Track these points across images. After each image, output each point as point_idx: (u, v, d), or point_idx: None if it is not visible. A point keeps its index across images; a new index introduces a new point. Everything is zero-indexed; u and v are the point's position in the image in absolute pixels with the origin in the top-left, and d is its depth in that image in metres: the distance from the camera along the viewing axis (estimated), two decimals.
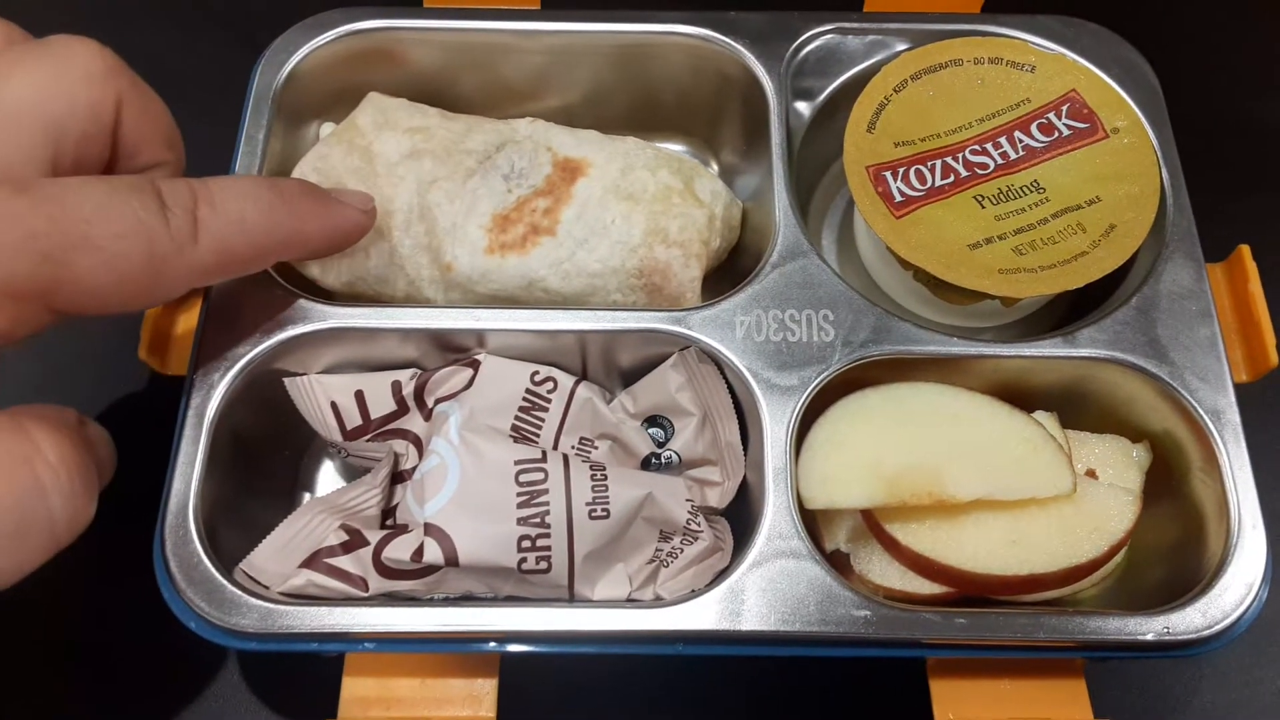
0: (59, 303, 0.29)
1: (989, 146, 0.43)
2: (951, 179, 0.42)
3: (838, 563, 0.39)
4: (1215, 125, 0.55)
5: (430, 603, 0.37)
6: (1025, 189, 0.42)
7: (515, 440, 0.39)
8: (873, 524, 0.38)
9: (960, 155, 0.43)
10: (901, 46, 0.47)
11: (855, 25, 0.47)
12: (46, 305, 0.29)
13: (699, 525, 0.38)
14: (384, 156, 0.43)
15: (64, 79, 0.33)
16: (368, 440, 0.40)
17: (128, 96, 0.34)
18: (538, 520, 0.36)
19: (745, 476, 0.40)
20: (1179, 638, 0.35)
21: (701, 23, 0.47)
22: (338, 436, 0.40)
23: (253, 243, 0.33)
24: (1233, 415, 0.38)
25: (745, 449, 0.40)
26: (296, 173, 0.44)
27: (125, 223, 0.29)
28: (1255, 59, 0.59)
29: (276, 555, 0.37)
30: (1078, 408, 0.41)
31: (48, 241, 0.28)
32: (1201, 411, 0.39)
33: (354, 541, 0.37)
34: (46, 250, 0.28)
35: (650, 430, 0.41)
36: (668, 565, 0.38)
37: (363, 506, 0.38)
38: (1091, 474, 0.40)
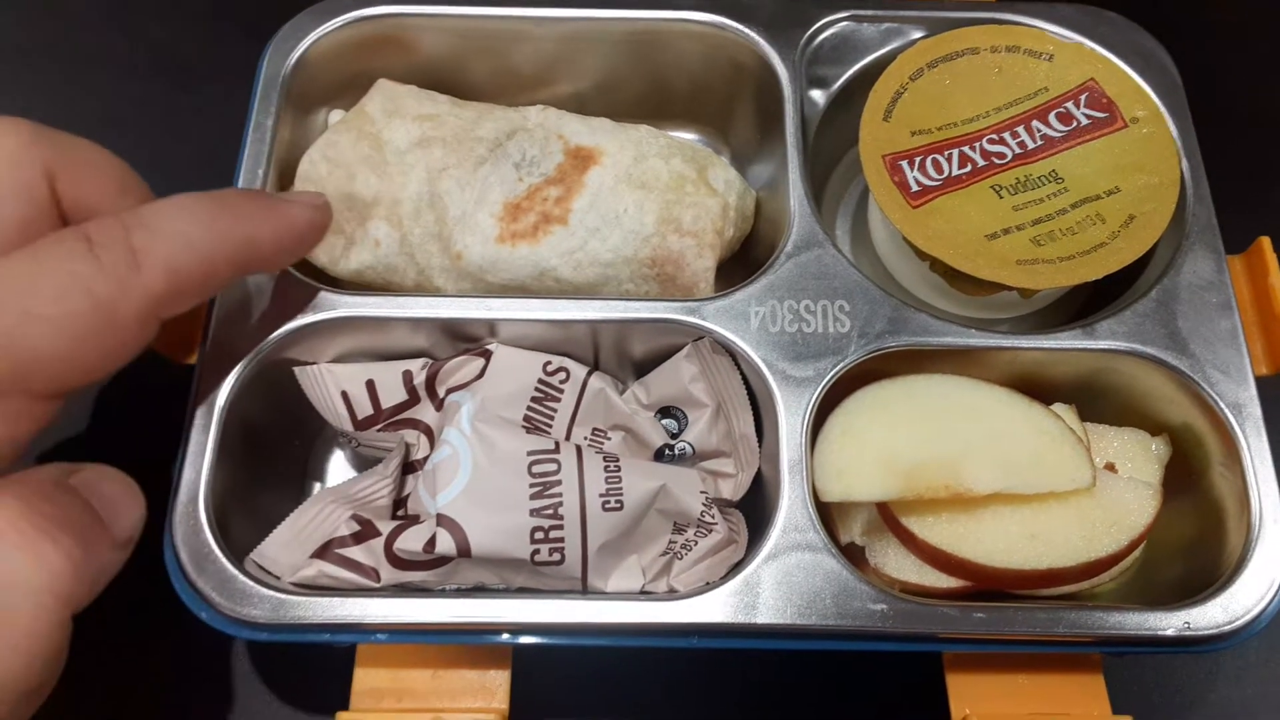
0: (36, 386, 0.28)
1: (1007, 136, 0.43)
2: (969, 168, 0.42)
3: (853, 556, 0.38)
4: (1235, 115, 0.54)
5: (442, 594, 0.36)
6: (1043, 179, 0.42)
7: (528, 431, 0.39)
8: (889, 517, 0.38)
9: (978, 144, 0.42)
10: (918, 34, 0.47)
11: (871, 12, 0.47)
12: (27, 393, 0.28)
13: (713, 517, 0.38)
14: (393, 144, 0.43)
15: None
16: (379, 430, 0.40)
17: (57, 163, 0.32)
18: (551, 512, 0.36)
19: (760, 469, 0.39)
20: (1200, 633, 0.34)
21: (715, 9, 0.46)
22: (348, 426, 0.39)
23: (202, 257, 0.31)
24: (1254, 409, 0.38)
25: (760, 441, 0.40)
26: (305, 160, 0.43)
27: (58, 281, 0.28)
28: (1275, 48, 0.58)
29: (288, 545, 0.36)
30: (1096, 400, 0.41)
31: None
32: (1222, 405, 0.38)
33: (365, 532, 0.37)
34: None
35: (664, 421, 0.41)
36: (682, 557, 0.38)
37: (374, 497, 0.38)
38: (1111, 467, 0.39)
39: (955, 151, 0.42)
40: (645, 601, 0.35)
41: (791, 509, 0.36)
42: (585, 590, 0.37)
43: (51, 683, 0.28)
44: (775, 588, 0.35)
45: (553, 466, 0.36)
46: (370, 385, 0.40)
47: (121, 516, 0.31)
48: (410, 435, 0.40)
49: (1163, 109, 0.44)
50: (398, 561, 0.36)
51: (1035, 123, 0.43)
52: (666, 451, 0.40)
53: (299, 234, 0.35)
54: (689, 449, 0.40)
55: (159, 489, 0.35)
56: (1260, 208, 0.49)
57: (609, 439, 0.40)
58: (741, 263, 0.46)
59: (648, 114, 0.48)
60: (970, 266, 0.40)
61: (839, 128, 0.47)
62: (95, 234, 0.29)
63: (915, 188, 0.41)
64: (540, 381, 0.40)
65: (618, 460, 0.37)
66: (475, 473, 0.36)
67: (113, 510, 0.30)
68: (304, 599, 0.34)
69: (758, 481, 0.39)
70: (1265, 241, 0.41)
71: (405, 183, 0.42)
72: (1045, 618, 0.35)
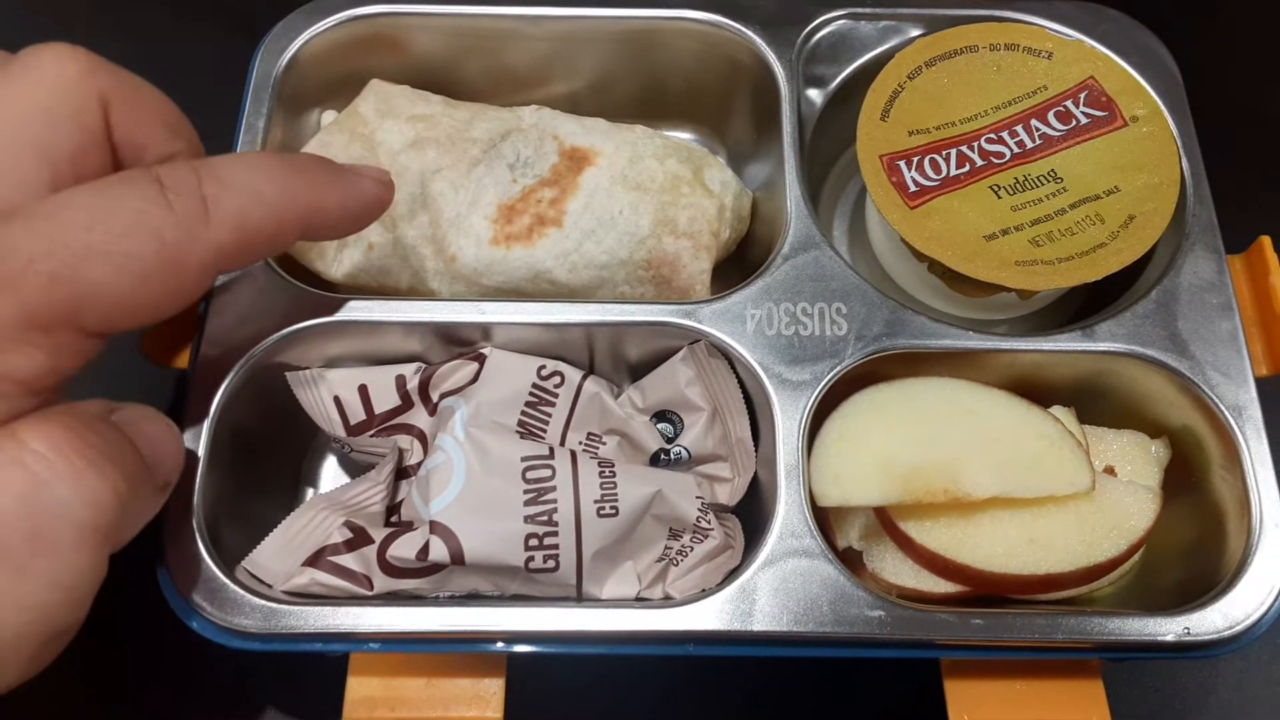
0: (88, 322, 0.28)
1: (1005, 135, 0.42)
2: (967, 168, 0.42)
3: (850, 561, 0.38)
4: (1235, 114, 0.54)
5: (436, 602, 0.36)
6: (1042, 179, 0.41)
7: (522, 436, 0.38)
8: (886, 522, 0.37)
9: (976, 144, 0.42)
10: (916, 32, 0.46)
11: (869, 10, 0.46)
12: (79, 329, 0.27)
13: (709, 523, 0.37)
14: (387, 145, 0.43)
15: (38, 96, 0.31)
16: (372, 435, 0.39)
17: (113, 94, 0.32)
18: (545, 518, 0.35)
19: (756, 473, 0.39)
20: (1199, 639, 0.34)
21: (711, 8, 0.46)
22: (341, 432, 0.39)
23: (270, 215, 0.31)
24: (1254, 411, 0.38)
25: (756, 445, 0.39)
26: None
27: (126, 219, 0.27)
28: (1276, 45, 0.58)
29: (279, 553, 0.36)
30: (1096, 403, 0.40)
31: (51, 261, 0.26)
32: (1223, 407, 0.38)
33: (358, 539, 0.36)
34: (53, 271, 0.26)
35: (659, 426, 0.41)
36: (677, 563, 0.37)
37: (367, 503, 0.38)
38: (1110, 471, 0.39)
39: (953, 151, 0.42)
40: (641, 609, 0.35)
41: (788, 514, 0.36)
42: (580, 597, 0.36)
43: (74, 629, 0.28)
44: (772, 594, 0.34)
45: (547, 472, 0.36)
46: (363, 390, 0.39)
47: (163, 457, 0.30)
48: (404, 441, 0.39)
49: (1163, 107, 0.43)
50: (390, 569, 0.36)
51: (1034, 122, 0.43)
52: (662, 456, 0.40)
53: (365, 205, 0.34)
54: (685, 453, 0.40)
55: None
56: (1261, 207, 0.48)
57: (604, 444, 0.40)
58: (738, 264, 0.46)
59: (643, 114, 0.48)
60: (968, 267, 0.39)
61: (836, 127, 0.47)
62: (168, 178, 0.29)
63: (913, 188, 0.41)
64: (535, 386, 0.39)
65: (613, 465, 0.37)
66: (469, 479, 0.36)
67: (155, 450, 0.30)
68: (296, 608, 0.34)
69: (754, 486, 0.39)
70: (1266, 241, 0.41)
71: (399, 184, 0.42)
72: (1044, 623, 0.34)
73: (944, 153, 0.42)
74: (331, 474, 0.43)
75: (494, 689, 0.36)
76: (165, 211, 0.28)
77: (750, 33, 0.45)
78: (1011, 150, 0.42)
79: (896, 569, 0.38)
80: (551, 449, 0.37)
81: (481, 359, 0.39)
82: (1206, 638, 0.34)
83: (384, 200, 0.35)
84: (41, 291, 0.26)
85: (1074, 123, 0.42)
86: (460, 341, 0.40)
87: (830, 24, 0.46)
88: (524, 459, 0.36)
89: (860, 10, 0.46)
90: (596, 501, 0.36)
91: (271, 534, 0.36)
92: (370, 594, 0.36)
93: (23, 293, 0.26)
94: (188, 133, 0.35)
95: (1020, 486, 0.36)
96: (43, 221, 0.27)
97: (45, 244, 0.27)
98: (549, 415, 0.39)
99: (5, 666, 0.26)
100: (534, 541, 0.35)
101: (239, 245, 0.30)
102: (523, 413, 0.39)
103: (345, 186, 0.34)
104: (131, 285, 0.28)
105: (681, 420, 0.40)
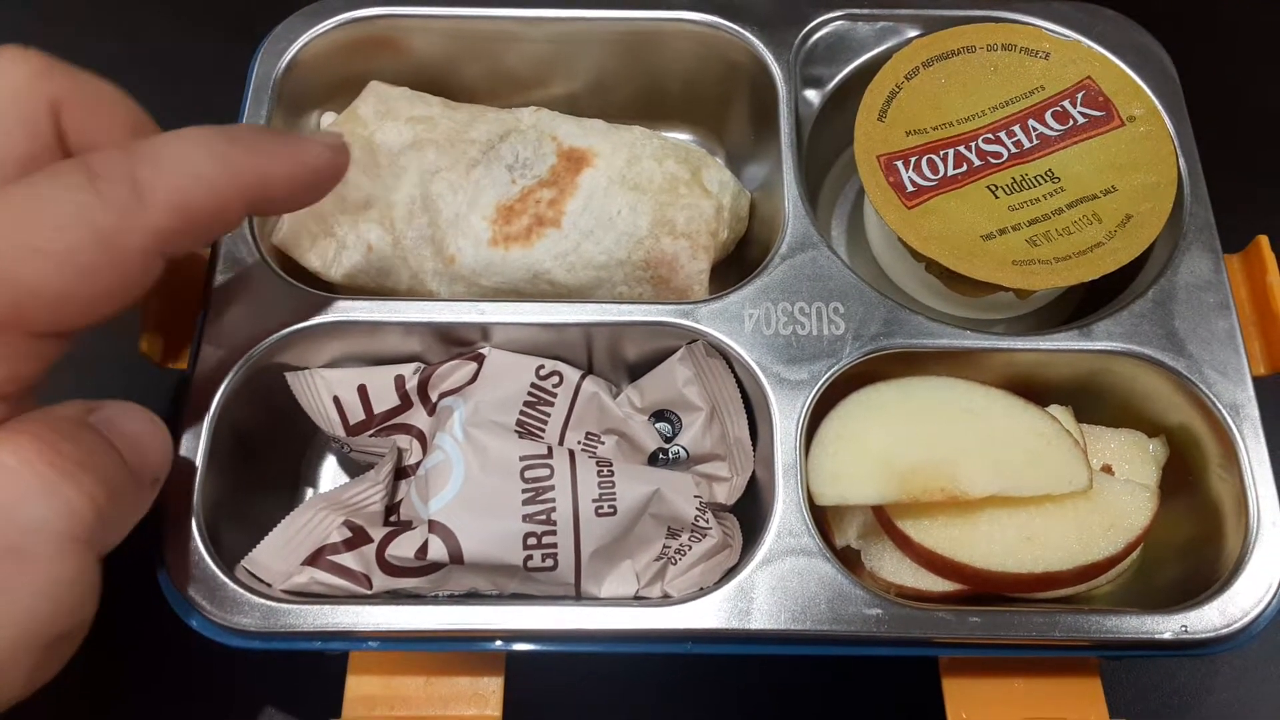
0: (35, 323, 0.27)
1: (1002, 135, 0.42)
2: (964, 168, 0.42)
3: (848, 559, 0.38)
4: (1232, 113, 0.54)
5: (435, 600, 0.36)
6: (1039, 178, 0.41)
7: (520, 436, 0.39)
8: (884, 520, 0.37)
9: (973, 144, 0.42)
10: (913, 33, 0.46)
11: (866, 11, 0.46)
12: (26, 331, 0.27)
13: (707, 522, 0.37)
14: (386, 147, 0.43)
15: None
16: (371, 435, 0.40)
17: (67, 98, 0.30)
18: (544, 517, 0.35)
19: (754, 472, 0.39)
20: (1197, 637, 0.34)
21: (708, 9, 0.46)
22: (340, 432, 0.39)
23: (210, 191, 0.29)
24: (1252, 410, 0.38)
25: (754, 444, 0.39)
26: None
27: (57, 213, 0.26)
28: (1273, 45, 0.58)
29: (279, 552, 0.36)
30: (1093, 402, 0.41)
31: None
32: (1220, 406, 0.38)
33: (357, 538, 0.37)
34: None
35: (657, 425, 0.41)
36: (676, 562, 0.37)
37: (366, 503, 0.38)
38: (1108, 469, 0.39)
39: (951, 151, 0.42)
40: (639, 607, 0.35)
41: (786, 513, 0.36)
42: (579, 596, 0.36)
43: (82, 630, 0.28)
44: (770, 593, 0.35)
45: (545, 472, 0.36)
46: (362, 390, 0.39)
47: (147, 454, 0.29)
48: (403, 440, 0.39)
49: (1160, 107, 0.43)
50: (389, 568, 0.36)
51: (1031, 121, 0.43)
52: (660, 455, 0.40)
53: (315, 174, 0.32)
54: (683, 453, 0.40)
55: None
56: (1258, 206, 0.48)
57: (602, 443, 0.40)
58: (736, 264, 0.46)
59: (641, 115, 0.48)
60: (966, 267, 0.39)
61: (834, 128, 0.47)
62: (97, 165, 0.27)
63: (910, 188, 0.41)
64: (533, 386, 0.39)
65: (611, 465, 0.37)
66: (468, 478, 0.36)
67: (136, 448, 0.29)
68: (295, 607, 0.34)
69: (752, 485, 0.39)
70: (1263, 240, 0.41)
71: (398, 185, 0.42)
72: (1042, 621, 0.34)
73: (941, 153, 0.42)
74: (331, 474, 0.43)
75: (493, 687, 0.36)
76: (96, 200, 0.27)
77: (748, 34, 0.46)
78: (1009, 150, 0.42)
79: (894, 567, 0.38)
80: (550, 448, 0.37)
81: (480, 359, 0.40)
82: (1204, 636, 0.34)
83: (337, 166, 0.33)
84: None
85: (1071, 122, 0.43)
86: (459, 342, 0.40)
87: (828, 25, 0.46)
88: (522, 458, 0.36)
89: (857, 11, 0.46)
90: (595, 501, 0.36)
91: (271, 533, 0.36)
92: (369, 593, 0.36)
93: None
94: (150, 131, 0.33)
95: (1018, 485, 0.36)
96: None
97: None
98: (547, 415, 0.39)
99: (6, 680, 0.26)
100: (532, 540, 0.35)
101: (180, 226, 0.28)
102: (521, 412, 0.39)
103: (290, 155, 0.31)
104: (71, 280, 0.27)
105: (680, 420, 0.40)
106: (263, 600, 0.34)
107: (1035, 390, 0.40)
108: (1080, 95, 0.43)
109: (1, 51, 0.30)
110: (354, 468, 0.43)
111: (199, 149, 0.29)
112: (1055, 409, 0.39)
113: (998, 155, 0.42)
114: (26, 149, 0.30)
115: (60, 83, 0.31)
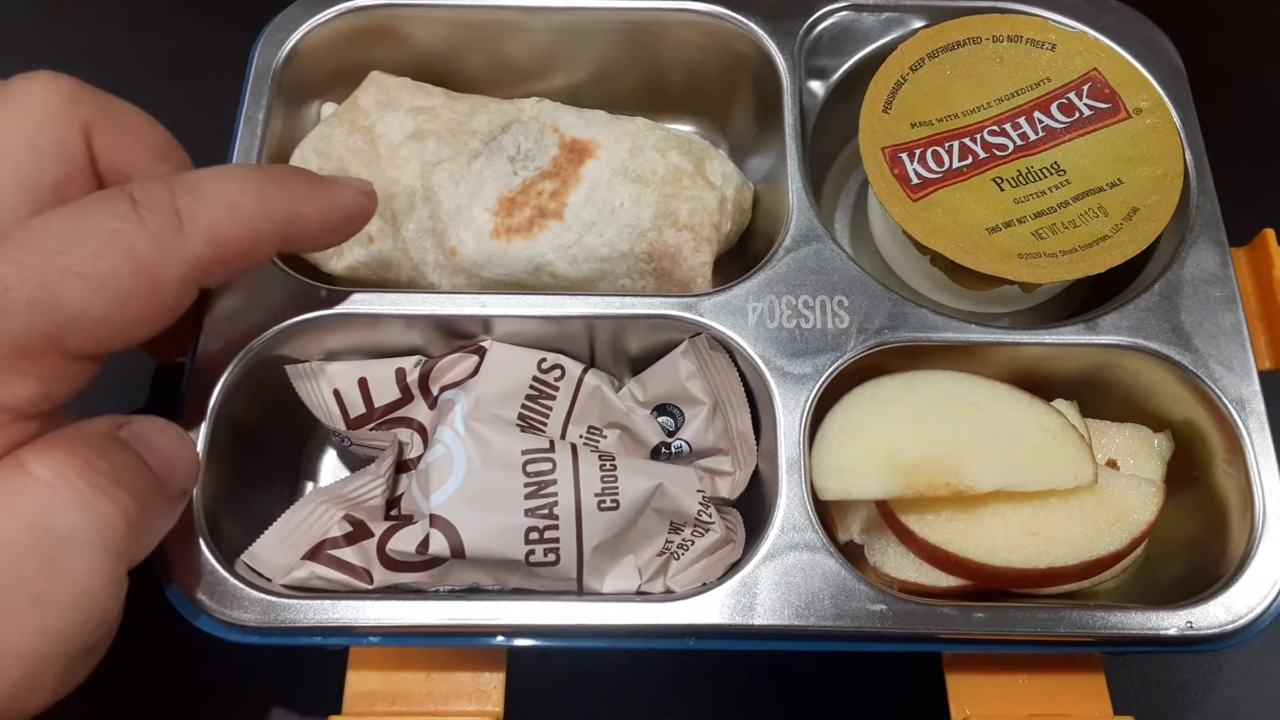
0: (73, 345, 0.27)
1: (1008, 127, 0.42)
2: (970, 160, 0.41)
3: (852, 554, 0.38)
4: (1239, 106, 0.54)
5: (436, 595, 0.36)
6: (1045, 171, 0.41)
7: (522, 429, 0.38)
8: (888, 515, 0.37)
9: (978, 136, 0.42)
10: (918, 24, 0.46)
11: (871, 2, 0.46)
12: (63, 353, 0.27)
13: (710, 516, 0.37)
14: (387, 137, 0.42)
15: (20, 127, 0.31)
16: (371, 429, 0.39)
17: (97, 122, 0.32)
18: (546, 512, 0.35)
19: (757, 467, 0.39)
20: (1202, 632, 0.34)
21: None
22: (341, 425, 0.39)
23: (246, 226, 0.30)
24: (1257, 404, 0.38)
25: (757, 438, 0.39)
26: (297, 154, 0.43)
27: (99, 239, 0.27)
28: None
29: (279, 547, 0.36)
30: (1098, 396, 0.40)
31: (27, 288, 0.26)
32: (1226, 400, 0.38)
33: (358, 533, 0.36)
34: (29, 297, 0.26)
35: (660, 419, 0.40)
36: (678, 557, 0.37)
37: (367, 497, 0.37)
38: (1113, 464, 0.39)
39: (956, 143, 0.42)
40: (641, 602, 0.35)
41: (789, 508, 0.36)
42: (581, 591, 0.36)
43: (107, 641, 0.28)
44: (773, 588, 0.34)
45: (547, 466, 0.36)
46: (363, 383, 0.39)
47: (176, 468, 0.30)
48: (403, 434, 0.39)
49: (1166, 99, 0.43)
50: (390, 563, 0.35)
51: (1037, 114, 0.42)
52: (663, 449, 0.40)
53: (345, 216, 0.34)
54: (686, 447, 0.40)
55: None
56: (1265, 199, 0.48)
57: (605, 437, 0.40)
58: (739, 257, 0.45)
59: (644, 106, 0.48)
60: (971, 260, 0.39)
61: (838, 119, 0.47)
62: (140, 195, 0.29)
63: (915, 180, 0.41)
64: (535, 379, 0.39)
65: (613, 459, 0.37)
66: (469, 472, 0.36)
67: (165, 463, 0.30)
68: (295, 601, 0.34)
69: (755, 480, 0.39)
70: (1269, 234, 0.41)
71: (399, 177, 0.42)
72: (1046, 617, 0.34)
73: (946, 145, 0.42)
74: (331, 467, 0.43)
75: (494, 683, 0.36)
76: (138, 228, 0.28)
77: (752, 24, 0.45)
78: (1014, 142, 0.42)
79: (898, 563, 0.38)
80: (552, 442, 0.37)
81: (482, 352, 0.39)
82: (1209, 631, 0.34)
83: (366, 210, 0.35)
84: (20, 318, 0.26)
85: (1077, 115, 0.42)
86: (460, 334, 0.40)
87: (832, 15, 0.46)
88: (524, 452, 0.36)
89: (862, 2, 0.46)
90: (597, 495, 0.36)
91: (271, 527, 0.36)
92: (370, 588, 0.36)
93: (2, 321, 0.26)
94: (177, 156, 0.35)
95: (1022, 480, 0.36)
96: (17, 248, 0.27)
97: (20, 270, 0.26)
98: (549, 408, 0.39)
99: (37, 689, 0.27)
100: (534, 535, 0.35)
101: (215, 258, 0.30)
102: (523, 406, 0.39)
103: (324, 197, 0.33)
104: (110, 304, 0.28)
105: (682, 413, 0.40)
106: (263, 595, 0.34)
107: (1040, 384, 0.39)
108: (1086, 87, 0.43)
109: (34, 77, 0.32)
110: (355, 461, 0.43)
111: (238, 185, 0.30)
112: (1060, 403, 0.39)
113: (1003, 147, 0.42)
114: (60, 171, 0.31)
115: (91, 107, 0.32)
